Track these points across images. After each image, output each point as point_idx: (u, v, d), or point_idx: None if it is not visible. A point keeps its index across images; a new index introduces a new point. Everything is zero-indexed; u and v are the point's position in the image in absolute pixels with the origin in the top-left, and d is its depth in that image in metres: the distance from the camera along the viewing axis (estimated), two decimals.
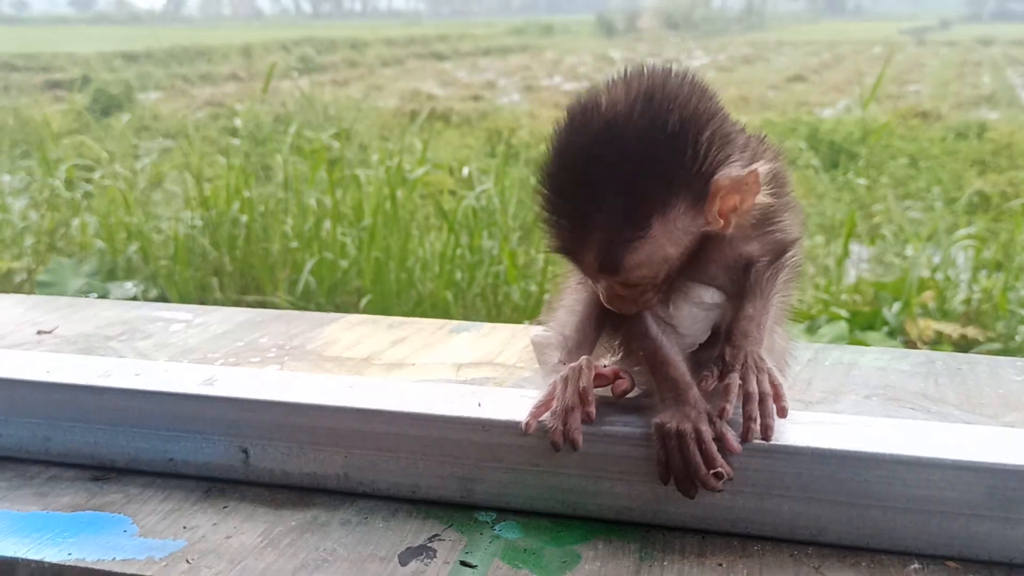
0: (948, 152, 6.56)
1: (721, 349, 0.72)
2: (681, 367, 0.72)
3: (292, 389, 0.77)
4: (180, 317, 1.19)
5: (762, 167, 0.67)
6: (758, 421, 0.67)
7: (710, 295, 0.75)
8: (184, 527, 0.72)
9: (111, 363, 0.85)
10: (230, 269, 3.60)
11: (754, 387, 0.68)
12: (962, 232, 3.82)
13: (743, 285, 0.74)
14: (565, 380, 0.71)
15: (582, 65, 13.45)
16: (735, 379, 0.68)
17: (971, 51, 14.70)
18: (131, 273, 3.77)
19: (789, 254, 0.74)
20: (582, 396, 0.70)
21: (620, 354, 0.80)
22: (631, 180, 0.65)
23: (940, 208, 4.58)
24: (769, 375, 0.69)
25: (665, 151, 0.65)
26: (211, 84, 11.91)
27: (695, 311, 0.76)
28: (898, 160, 6.12)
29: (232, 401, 0.77)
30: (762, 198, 0.68)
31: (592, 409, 0.70)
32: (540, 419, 0.70)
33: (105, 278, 3.69)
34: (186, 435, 0.78)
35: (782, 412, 0.68)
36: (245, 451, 0.77)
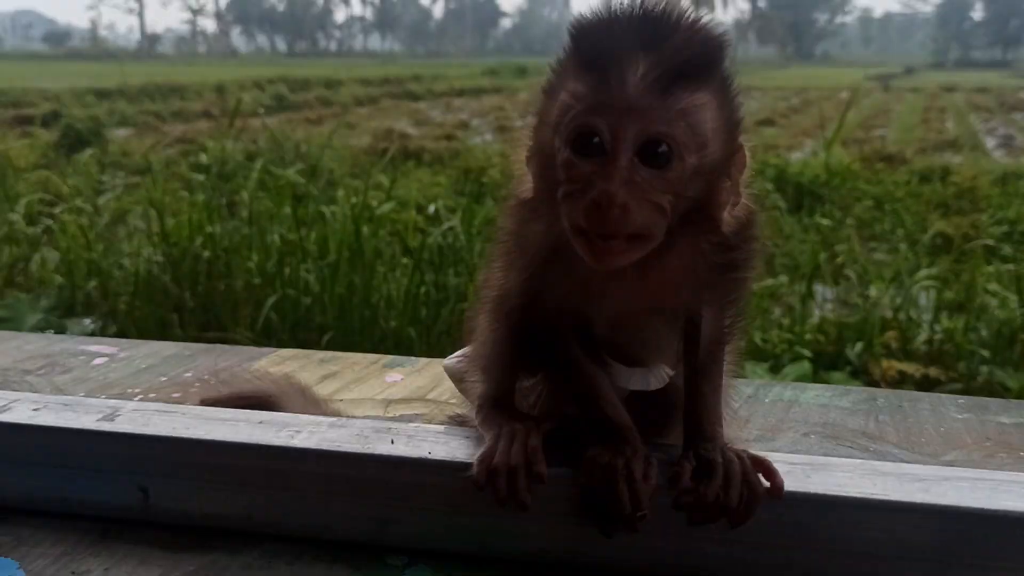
0: (912, 195, 6.65)
1: (695, 442, 0.67)
2: (619, 405, 0.69)
3: (195, 425, 0.73)
4: (105, 351, 1.14)
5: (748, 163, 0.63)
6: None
7: (664, 374, 0.73)
8: (73, 572, 0.67)
9: (11, 396, 0.80)
10: (191, 305, 3.53)
11: (737, 487, 0.63)
12: (924, 273, 3.85)
13: (689, 351, 0.69)
14: (511, 436, 0.68)
15: None
16: (717, 483, 0.63)
17: (935, 97, 15.05)
18: (90, 309, 3.70)
19: (738, 314, 0.69)
20: (532, 456, 0.66)
21: (546, 388, 0.77)
22: (707, 32, 0.59)
23: (904, 249, 4.63)
24: (746, 463, 0.65)
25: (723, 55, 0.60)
26: (183, 121, 11.87)
27: (642, 378, 0.73)
28: (863, 202, 6.19)
29: (132, 437, 0.72)
30: (744, 201, 0.62)
31: (543, 469, 0.66)
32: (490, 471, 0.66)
33: (63, 314, 3.61)
34: (83, 473, 0.74)
35: (778, 492, 0.63)
36: (144, 490, 0.73)
